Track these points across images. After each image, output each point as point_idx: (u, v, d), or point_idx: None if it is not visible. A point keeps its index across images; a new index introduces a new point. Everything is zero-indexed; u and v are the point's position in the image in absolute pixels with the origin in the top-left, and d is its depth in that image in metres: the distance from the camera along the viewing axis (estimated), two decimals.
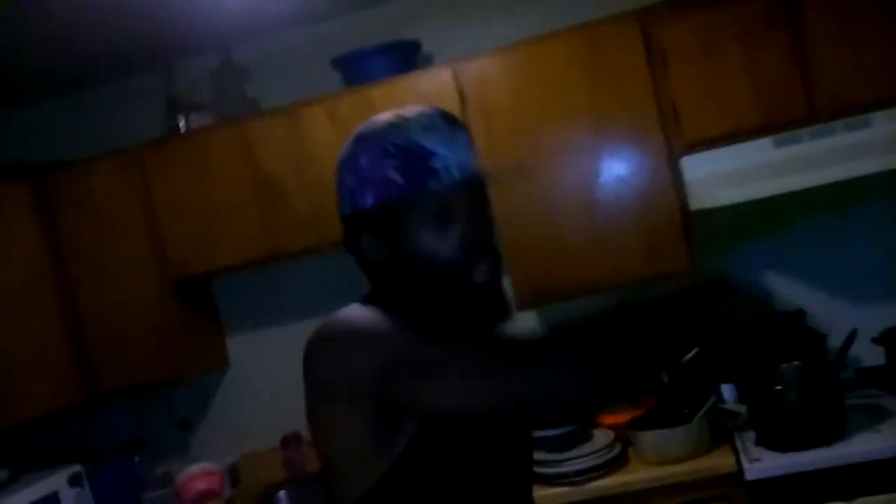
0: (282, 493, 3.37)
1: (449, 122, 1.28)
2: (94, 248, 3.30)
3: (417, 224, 1.26)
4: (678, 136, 2.89)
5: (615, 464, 2.79)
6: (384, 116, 1.31)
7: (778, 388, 2.66)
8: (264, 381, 3.54)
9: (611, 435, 2.89)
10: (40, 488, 2.91)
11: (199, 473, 3.24)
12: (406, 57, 3.25)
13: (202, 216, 3.24)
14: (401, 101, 3.01)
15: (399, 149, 1.25)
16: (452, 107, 3.00)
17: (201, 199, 3.24)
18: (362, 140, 1.30)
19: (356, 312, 1.29)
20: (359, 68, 3.22)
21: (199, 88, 3.45)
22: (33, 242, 3.24)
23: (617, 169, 2.94)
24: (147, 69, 3.53)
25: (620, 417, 2.96)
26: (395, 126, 1.27)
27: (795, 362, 2.68)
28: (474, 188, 1.28)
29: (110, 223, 3.29)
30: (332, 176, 3.31)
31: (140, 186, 3.27)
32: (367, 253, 1.32)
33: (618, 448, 2.84)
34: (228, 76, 3.44)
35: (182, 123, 3.38)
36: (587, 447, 2.83)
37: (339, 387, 1.21)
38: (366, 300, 1.34)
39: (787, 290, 3.19)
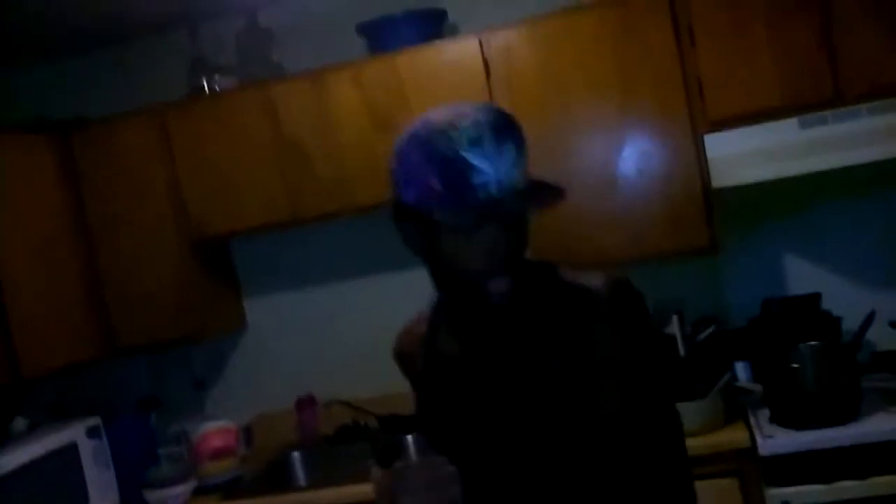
0: (295, 454, 3.41)
1: (498, 135, 1.29)
2: (116, 205, 3.32)
3: (447, 230, 1.32)
4: (703, 114, 2.88)
5: None
6: (441, 117, 1.32)
7: (795, 366, 2.67)
8: (281, 344, 3.57)
9: None
10: (59, 438, 2.95)
11: (215, 430, 3.27)
12: (432, 25, 3.24)
13: (224, 178, 3.25)
14: (426, 70, 3.06)
15: (443, 159, 1.28)
16: (476, 77, 3.02)
17: (224, 160, 3.25)
18: (416, 138, 1.33)
19: None
20: (384, 35, 3.22)
21: (224, 50, 3.46)
22: (56, 197, 3.26)
23: (640, 144, 2.94)
24: (172, 29, 3.53)
25: None
26: (445, 134, 1.30)
27: (813, 342, 2.70)
28: (510, 204, 1.30)
29: (132, 181, 3.31)
30: (355, 142, 3.31)
31: (163, 146, 3.29)
32: (406, 239, 1.41)
33: None
34: (254, 39, 3.44)
35: (206, 84, 3.39)
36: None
37: None
38: None
39: (805, 271, 3.20)
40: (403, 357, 1.59)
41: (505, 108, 1.37)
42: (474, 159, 1.27)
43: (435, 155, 1.29)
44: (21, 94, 3.68)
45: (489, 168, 1.28)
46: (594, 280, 1.41)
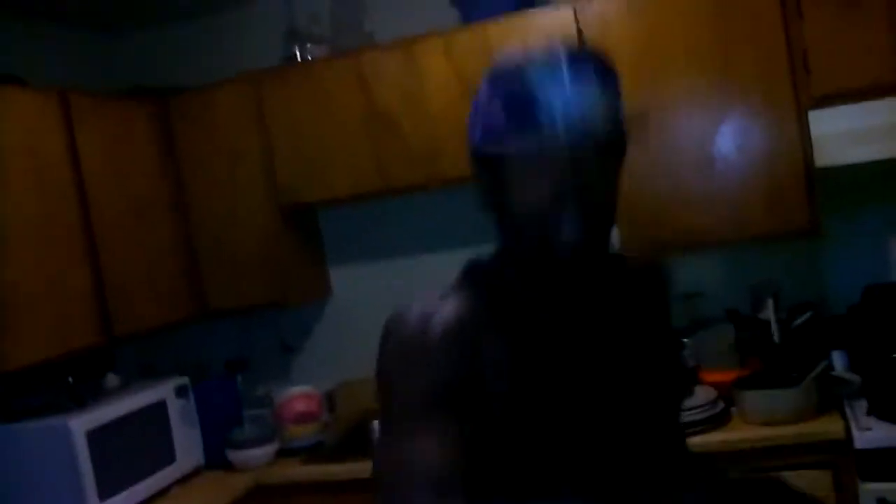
0: (375, 422, 3.42)
1: (575, 71, 1.20)
2: (210, 171, 3.39)
3: (510, 170, 1.23)
4: (808, 89, 2.76)
5: (717, 421, 2.73)
6: (516, 53, 1.26)
7: None
8: (365, 313, 3.57)
9: (713, 392, 2.83)
10: (149, 396, 3.03)
11: (299, 395, 3.33)
12: None
13: (315, 146, 3.27)
14: (518, 40, 3.00)
15: (511, 91, 1.21)
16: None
17: (315, 129, 3.27)
18: (488, 74, 1.27)
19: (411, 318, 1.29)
20: (477, 5, 3.18)
21: (317, 20, 3.47)
22: (152, 162, 3.34)
23: (741, 120, 2.83)
24: None
25: (725, 376, 2.89)
26: (517, 66, 1.23)
27: None
28: (580, 146, 1.20)
29: (226, 148, 3.37)
30: (445, 113, 3.28)
31: (256, 114, 3.33)
32: (477, 193, 1.30)
33: (720, 406, 2.78)
34: (346, 8, 3.44)
35: (299, 54, 3.41)
36: (688, 402, 2.77)
37: None
38: (464, 276, 1.39)
39: None
40: (438, 346, 1.24)
41: (599, 51, 1.27)
42: (543, 93, 1.19)
43: (503, 88, 1.22)
44: (119, 61, 3.77)
45: (558, 103, 1.18)
46: (646, 263, 1.50)
